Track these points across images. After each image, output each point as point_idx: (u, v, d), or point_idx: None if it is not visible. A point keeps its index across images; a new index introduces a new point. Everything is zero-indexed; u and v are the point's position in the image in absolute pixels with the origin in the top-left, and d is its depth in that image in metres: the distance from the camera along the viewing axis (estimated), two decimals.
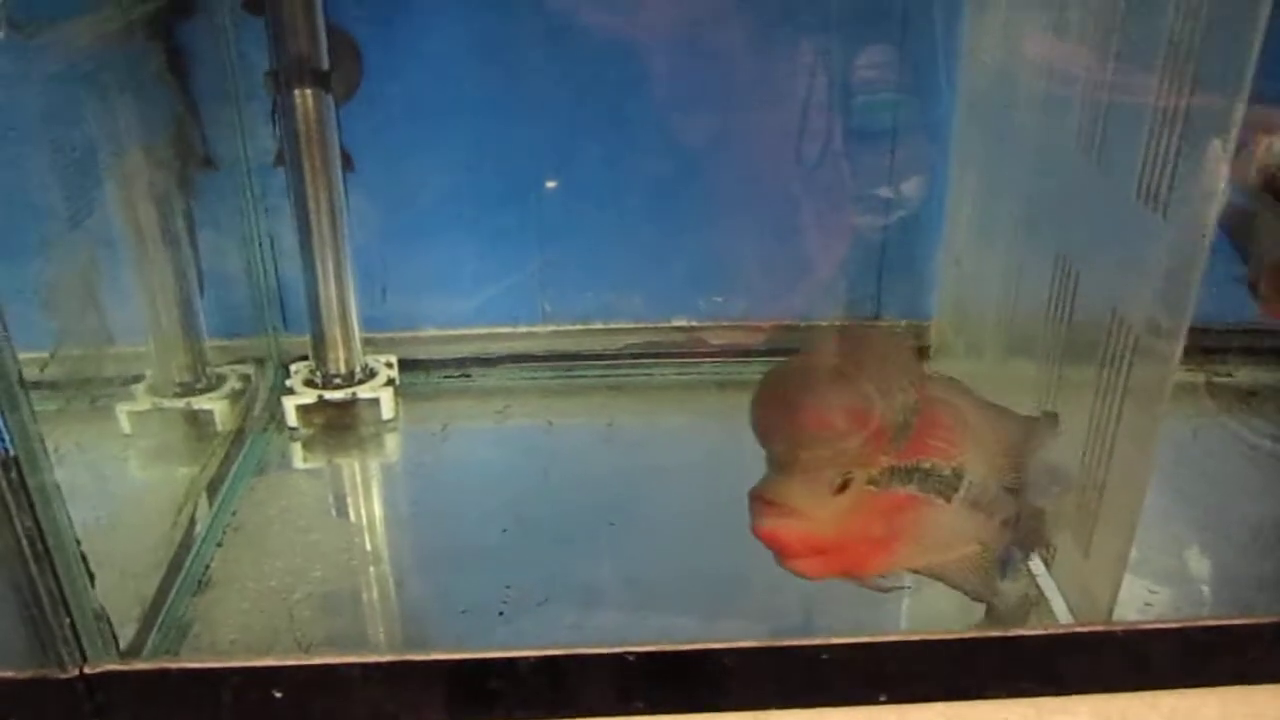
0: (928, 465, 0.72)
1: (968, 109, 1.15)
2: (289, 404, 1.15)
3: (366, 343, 1.22)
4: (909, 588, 0.79)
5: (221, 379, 1.18)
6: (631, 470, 1.10)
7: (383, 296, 1.23)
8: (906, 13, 1.15)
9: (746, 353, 1.24)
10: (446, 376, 1.25)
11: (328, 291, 1.16)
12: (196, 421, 1.13)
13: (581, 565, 0.95)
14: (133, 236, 1.07)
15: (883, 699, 0.76)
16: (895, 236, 1.25)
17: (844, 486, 0.69)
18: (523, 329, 1.26)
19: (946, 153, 1.19)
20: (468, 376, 1.25)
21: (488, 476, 1.11)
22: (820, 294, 1.25)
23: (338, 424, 1.17)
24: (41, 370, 0.81)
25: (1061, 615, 0.87)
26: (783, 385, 0.72)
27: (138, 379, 1.14)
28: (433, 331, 1.25)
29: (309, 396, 1.15)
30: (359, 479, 1.13)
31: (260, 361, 1.22)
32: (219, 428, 1.13)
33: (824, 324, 1.26)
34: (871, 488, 0.70)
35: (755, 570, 0.97)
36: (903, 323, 1.26)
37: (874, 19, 1.16)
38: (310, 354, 1.20)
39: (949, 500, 0.74)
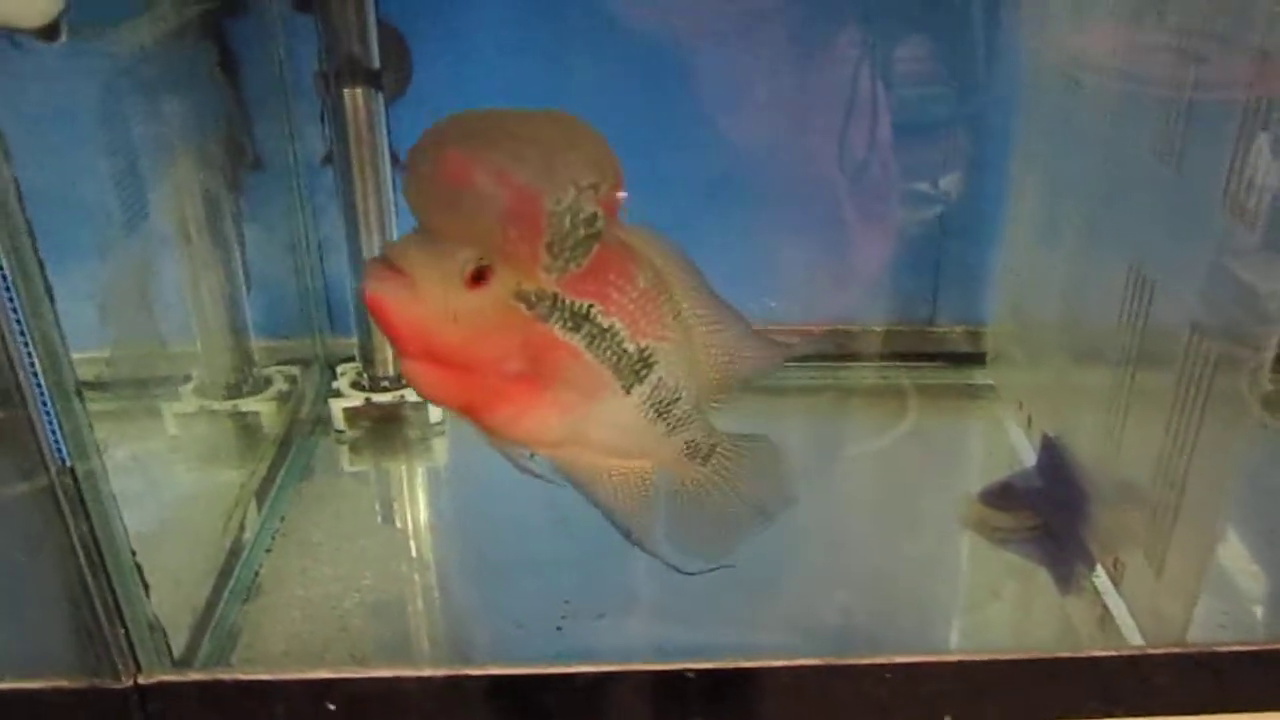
0: (605, 323, 0.60)
1: (1029, 106, 1.13)
2: (336, 407, 1.15)
3: None
4: (545, 479, 0.66)
5: (268, 380, 1.18)
6: None
7: None
8: (964, 4, 1.13)
9: (800, 358, 1.22)
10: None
11: None
12: (243, 423, 1.13)
13: (637, 577, 0.94)
14: (181, 237, 1.07)
15: None
16: (952, 239, 1.23)
17: (479, 277, 0.57)
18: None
19: (1006, 152, 1.17)
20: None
21: (538, 481, 1.10)
22: (875, 298, 1.23)
23: (385, 426, 1.17)
24: (95, 378, 0.81)
25: (1131, 635, 0.85)
26: (444, 132, 0.58)
27: (185, 379, 1.14)
28: None
29: (356, 399, 1.15)
30: (407, 483, 1.13)
31: (306, 363, 1.22)
32: (266, 430, 1.13)
33: (878, 328, 1.24)
34: (521, 306, 0.58)
35: (809, 583, 0.97)
36: (959, 328, 1.24)
37: (928, 11, 1.14)
38: (357, 355, 1.20)
39: (626, 389, 0.63)
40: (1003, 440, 1.14)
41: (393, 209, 1.14)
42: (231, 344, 1.16)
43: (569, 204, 0.56)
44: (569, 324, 0.59)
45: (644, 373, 0.62)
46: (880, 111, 1.16)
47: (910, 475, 1.11)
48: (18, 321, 0.60)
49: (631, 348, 0.61)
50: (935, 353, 1.24)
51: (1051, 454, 0.97)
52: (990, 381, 1.22)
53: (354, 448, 1.16)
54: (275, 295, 1.21)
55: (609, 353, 0.61)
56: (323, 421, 1.18)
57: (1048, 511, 0.95)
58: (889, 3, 1.13)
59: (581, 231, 0.57)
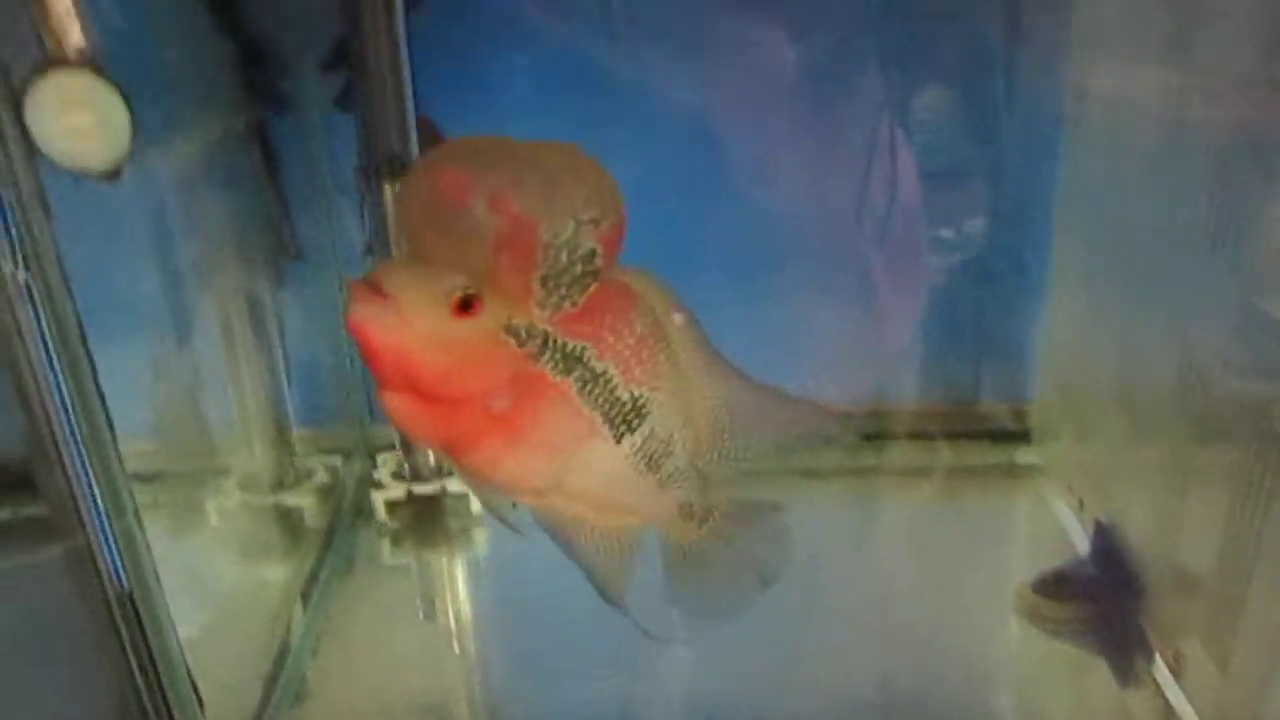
0: (599, 368, 0.58)
1: (1072, 176, 1.12)
2: (378, 499, 1.15)
3: None
4: (520, 532, 0.63)
5: (309, 471, 1.18)
6: None
7: None
8: (1008, 70, 1.13)
9: (837, 440, 1.22)
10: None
11: None
12: (287, 518, 1.13)
13: (684, 671, 0.93)
14: (223, 329, 1.08)
15: None
16: (993, 312, 1.22)
17: (467, 305, 0.54)
18: None
19: (1049, 222, 1.17)
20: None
21: (579, 574, 1.10)
22: (915, 374, 1.23)
23: (426, 517, 1.17)
24: (140, 469, 0.81)
25: None
26: (445, 152, 0.56)
27: (226, 471, 1.15)
28: None
29: (398, 491, 1.15)
30: (448, 576, 1.13)
31: (347, 452, 1.22)
32: (308, 523, 1.13)
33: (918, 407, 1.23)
34: (511, 341, 0.56)
35: (854, 675, 0.96)
36: (1004, 405, 1.23)
37: (971, 80, 1.15)
38: (397, 443, 1.20)
39: (616, 438, 0.60)
40: (1051, 522, 1.13)
41: None
42: (273, 434, 1.16)
43: (567, 237, 0.54)
44: (560, 365, 0.57)
45: (635, 422, 0.60)
46: (910, 181, 1.16)
47: (957, 560, 1.10)
48: (79, 456, 0.60)
49: (624, 395, 0.59)
50: (978, 430, 1.23)
51: (1106, 540, 0.96)
52: (1036, 460, 1.21)
53: (395, 539, 1.16)
54: (316, 384, 1.22)
55: (600, 399, 0.59)
56: (364, 513, 1.18)
57: (1104, 601, 0.93)
58: (918, 62, 1.14)
59: (579, 268, 0.55)
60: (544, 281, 0.55)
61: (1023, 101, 1.14)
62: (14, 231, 0.57)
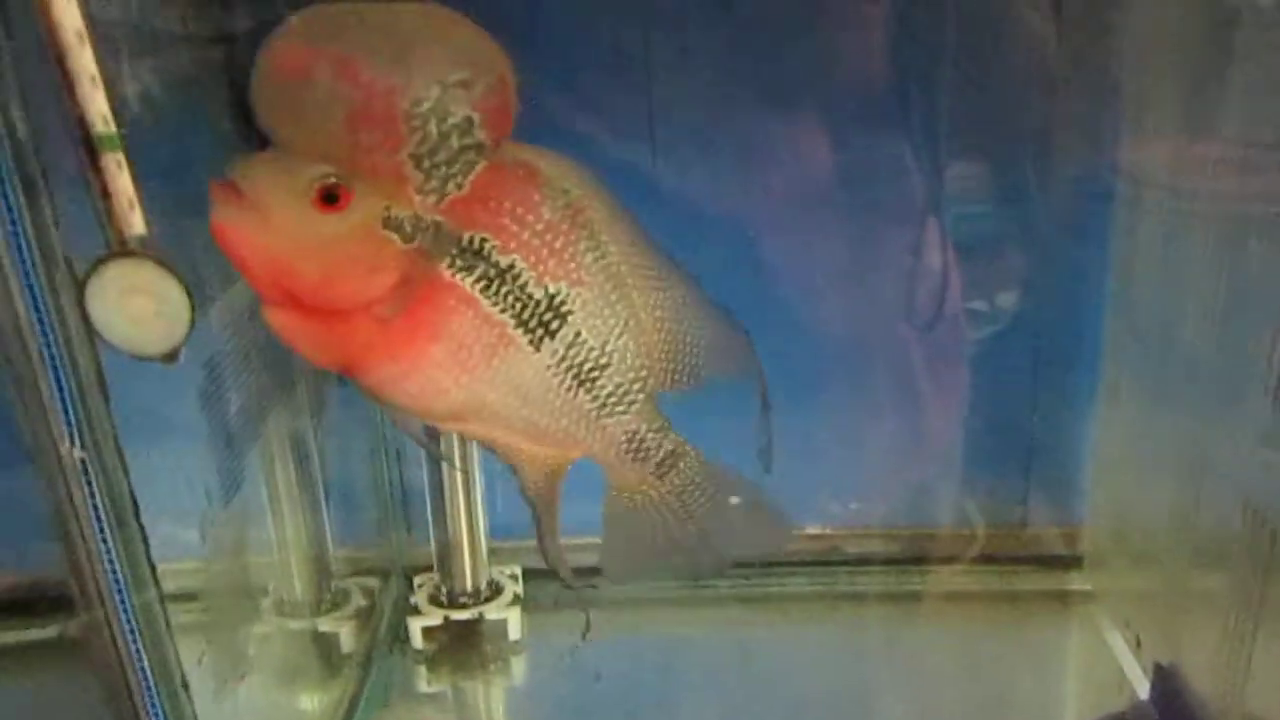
0: (503, 261, 0.50)
1: (1122, 283, 1.12)
2: (415, 625, 1.16)
3: (492, 552, 1.22)
4: (444, 458, 0.56)
5: (346, 594, 1.19)
6: (769, 701, 1.08)
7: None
8: (1049, 209, 1.14)
9: (885, 562, 1.21)
10: (572, 586, 1.24)
11: (455, 504, 1.18)
12: (324, 644, 1.13)
13: None
14: (263, 453, 1.10)
15: None
16: (1041, 429, 1.22)
17: (331, 196, 0.48)
18: None
19: (1099, 333, 1.16)
20: (594, 586, 1.24)
21: (618, 702, 1.09)
22: (963, 498, 1.22)
23: (463, 643, 1.17)
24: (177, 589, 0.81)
25: None
26: (290, 24, 0.49)
27: (263, 592, 1.15)
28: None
29: (435, 617, 1.16)
30: (485, 704, 1.12)
31: (385, 573, 1.23)
32: (344, 649, 1.13)
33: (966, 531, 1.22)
34: (394, 237, 0.49)
35: None
36: (1055, 530, 1.22)
37: (1013, 215, 1.15)
38: (435, 566, 1.21)
39: (534, 343, 0.53)
40: (1106, 656, 1.11)
41: None
42: (311, 557, 1.17)
43: (432, 104, 0.47)
44: (458, 261, 0.50)
45: (555, 324, 0.52)
46: (955, 292, 1.16)
47: (1005, 697, 1.08)
48: (131, 630, 0.61)
49: (537, 292, 0.52)
50: (1028, 556, 1.22)
51: (1167, 684, 0.94)
52: (1088, 587, 1.20)
53: (432, 665, 1.16)
54: (353, 503, 1.22)
55: (509, 298, 0.52)
56: (400, 637, 1.18)
57: None
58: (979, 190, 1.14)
59: (456, 141, 0.49)
60: (417, 161, 0.49)
61: (1071, 208, 1.15)
62: (72, 412, 0.59)
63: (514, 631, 1.16)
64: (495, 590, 1.19)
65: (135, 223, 0.56)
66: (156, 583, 0.63)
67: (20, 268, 0.55)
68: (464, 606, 1.17)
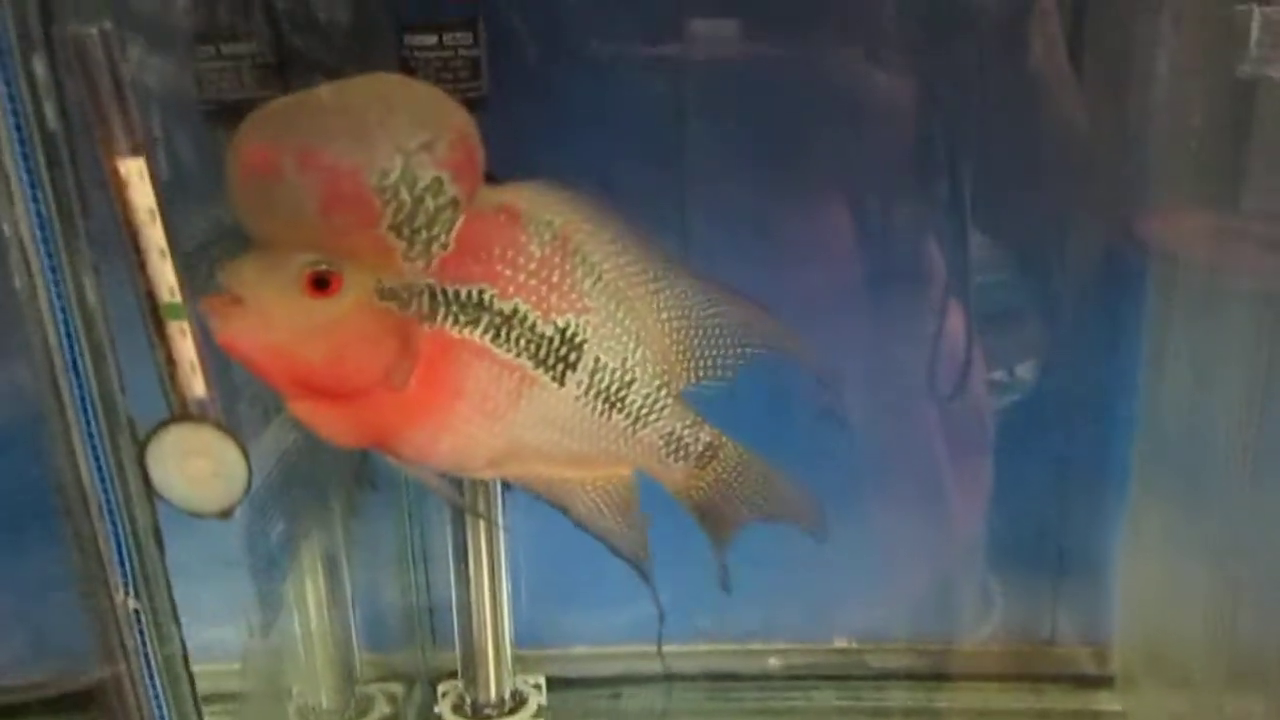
0: (506, 307, 0.51)
1: (1151, 407, 1.12)
2: None
3: (516, 660, 1.23)
4: (483, 516, 0.56)
5: (370, 701, 1.20)
6: None
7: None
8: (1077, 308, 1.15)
9: (910, 676, 1.22)
10: (596, 696, 1.25)
11: (481, 611, 1.19)
12: None
13: None
14: (295, 565, 1.12)
15: None
16: (1071, 546, 1.22)
17: (321, 282, 0.49)
18: (675, 647, 1.26)
19: (1128, 450, 1.17)
20: (617, 696, 1.25)
21: None
22: (991, 611, 1.23)
23: None
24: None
25: None
26: (250, 121, 0.50)
27: (287, 695, 1.17)
28: (582, 649, 1.26)
29: None
30: None
31: (408, 681, 1.24)
32: None
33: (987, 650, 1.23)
34: (392, 307, 0.50)
35: None
36: (1083, 648, 1.23)
37: (1041, 317, 1.17)
38: (460, 674, 1.22)
39: (557, 380, 0.54)
40: None
41: (501, 528, 1.17)
42: (336, 661, 1.18)
43: (398, 174, 0.48)
44: (461, 317, 0.51)
45: (573, 356, 0.54)
46: (998, 418, 1.17)
47: None
48: None
49: (548, 330, 0.53)
50: (1056, 674, 1.22)
51: None
52: (1119, 708, 1.20)
53: None
54: (379, 609, 1.24)
55: (521, 341, 0.53)
56: None
57: None
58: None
59: (430, 204, 0.50)
60: (397, 230, 0.50)
61: (1100, 302, 1.15)
62: (128, 563, 0.61)
63: None
64: (519, 701, 1.20)
65: (196, 386, 0.59)
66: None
67: (85, 428, 0.58)
68: (488, 718, 1.18)
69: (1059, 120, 1.07)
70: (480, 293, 0.53)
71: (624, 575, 1.24)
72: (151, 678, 0.64)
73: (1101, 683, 1.21)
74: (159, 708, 0.63)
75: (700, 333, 0.57)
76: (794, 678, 1.24)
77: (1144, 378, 1.14)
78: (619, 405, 0.56)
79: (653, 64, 1.08)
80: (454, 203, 0.51)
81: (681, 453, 0.58)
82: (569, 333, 0.54)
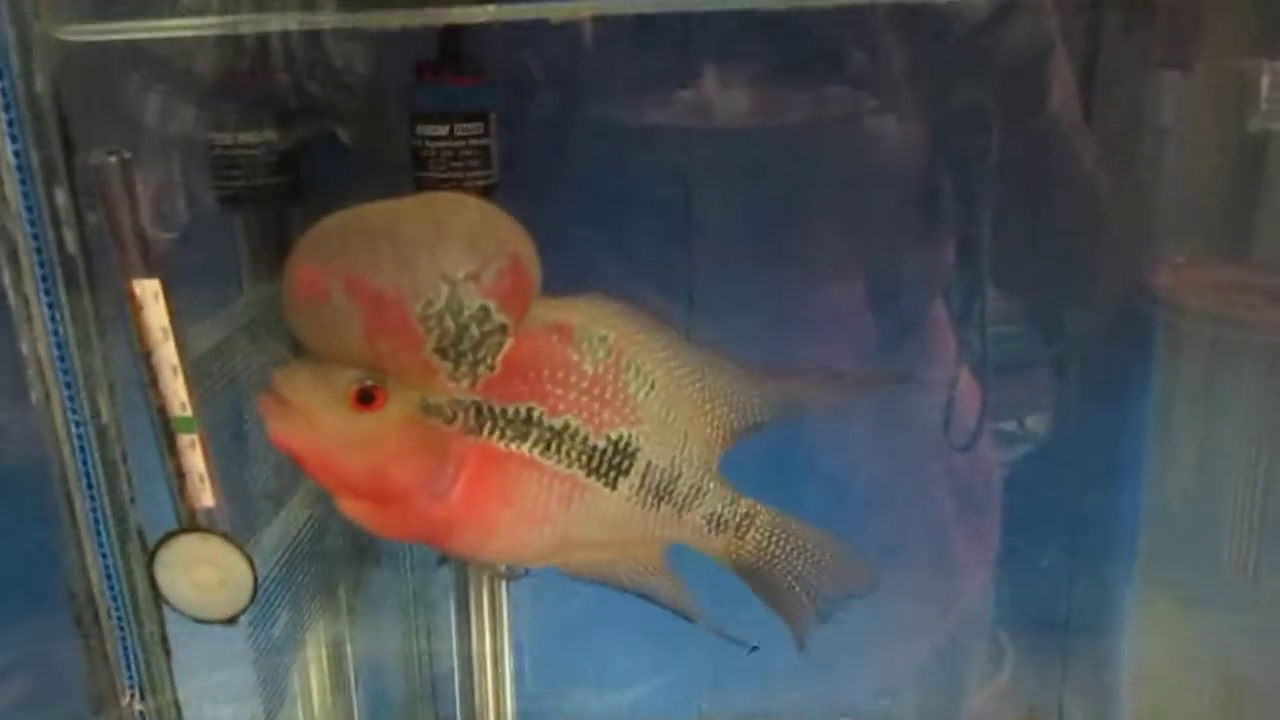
0: (556, 423, 0.53)
1: (1158, 489, 1.12)
2: None
3: None
4: (523, 573, 0.58)
5: None
6: None
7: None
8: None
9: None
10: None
11: (484, 693, 1.20)
12: None
13: None
14: (297, 636, 1.13)
15: None
16: (1079, 633, 1.23)
17: (367, 397, 0.51)
18: None
19: (1136, 533, 1.18)
20: None
21: None
22: (999, 698, 1.23)
23: None
24: None
25: None
26: (306, 240, 0.52)
27: None
28: None
29: None
30: None
31: None
32: None
33: None
34: (437, 422, 0.52)
35: None
36: None
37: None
38: None
39: (612, 485, 0.55)
40: None
41: (505, 609, 1.19)
42: None
43: (444, 303, 0.50)
44: (508, 433, 0.52)
45: (625, 464, 0.55)
46: (1000, 510, 1.18)
47: None
48: None
49: (600, 442, 0.54)
50: None
51: None
52: None
53: None
54: (382, 686, 1.25)
55: (572, 454, 0.54)
56: None
57: None
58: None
59: (476, 330, 0.51)
60: (442, 354, 0.51)
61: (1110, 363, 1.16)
62: (135, 667, 0.63)
63: None
64: None
65: (205, 497, 0.61)
66: None
67: (97, 538, 0.60)
68: None
69: (1071, 174, 1.08)
70: (529, 410, 0.54)
71: (628, 655, 1.26)
72: None
73: None
74: None
75: (742, 415, 0.59)
76: None
77: (1151, 449, 1.14)
78: (667, 497, 0.58)
79: (663, 133, 1.10)
80: (501, 328, 0.52)
81: (721, 526, 0.60)
82: (621, 443, 0.55)
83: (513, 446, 0.54)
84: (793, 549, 0.63)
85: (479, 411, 0.53)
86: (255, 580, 0.61)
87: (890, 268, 1.14)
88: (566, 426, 0.54)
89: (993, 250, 1.11)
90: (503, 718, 1.22)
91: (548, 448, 0.54)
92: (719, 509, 0.59)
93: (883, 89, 1.07)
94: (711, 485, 0.59)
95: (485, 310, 0.51)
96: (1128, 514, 1.18)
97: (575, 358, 0.54)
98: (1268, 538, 0.90)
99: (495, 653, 1.19)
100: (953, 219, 1.12)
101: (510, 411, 0.53)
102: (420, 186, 1.02)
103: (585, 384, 0.54)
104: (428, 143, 1.01)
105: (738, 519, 0.60)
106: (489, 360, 0.52)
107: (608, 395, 0.55)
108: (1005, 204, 1.09)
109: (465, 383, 0.52)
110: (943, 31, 1.05)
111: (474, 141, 1.01)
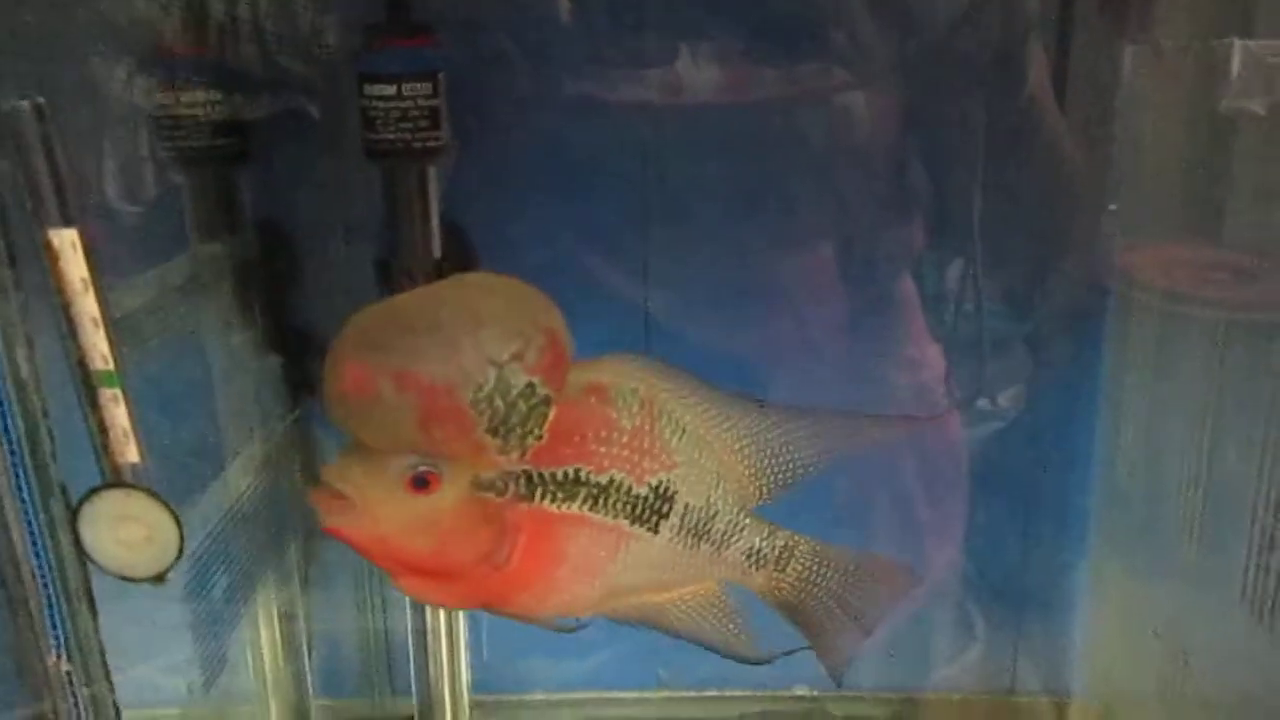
0: (602, 480, 0.55)
1: (1110, 473, 1.14)
2: None
3: (474, 706, 1.23)
4: (578, 625, 0.61)
5: None
6: None
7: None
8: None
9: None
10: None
11: (438, 658, 1.19)
12: None
13: None
14: (242, 603, 1.12)
15: None
16: (1033, 598, 1.23)
17: (421, 483, 0.53)
18: (634, 695, 1.26)
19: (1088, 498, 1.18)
20: None
21: None
22: (951, 664, 1.24)
23: None
24: None
25: None
26: (343, 340, 0.53)
27: None
28: (541, 695, 1.27)
29: None
30: None
31: None
32: None
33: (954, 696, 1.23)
34: (490, 496, 0.54)
35: None
36: (1044, 699, 1.24)
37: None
38: (416, 717, 1.22)
39: (654, 529, 0.58)
40: None
41: None
42: (291, 706, 1.18)
43: (492, 386, 0.51)
44: (559, 495, 0.55)
45: (666, 508, 0.57)
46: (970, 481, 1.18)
47: None
48: None
49: (643, 491, 0.57)
50: None
51: None
52: None
53: None
54: (337, 655, 1.24)
55: (618, 505, 0.56)
56: None
57: None
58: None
59: (523, 406, 0.52)
60: (492, 432, 0.53)
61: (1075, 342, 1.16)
62: (60, 627, 0.62)
63: None
64: None
65: (130, 453, 0.60)
66: None
67: (18, 494, 0.59)
68: None
69: (1043, 153, 1.08)
70: (576, 471, 0.56)
71: (588, 626, 1.25)
72: None
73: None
74: None
75: (770, 452, 0.61)
76: None
77: (1103, 423, 1.15)
78: (705, 536, 0.60)
79: (624, 106, 1.09)
80: (545, 400, 0.54)
81: (760, 561, 0.63)
82: (661, 488, 0.58)
83: (563, 508, 0.56)
84: (833, 574, 0.65)
85: (529, 480, 0.55)
86: (182, 537, 0.60)
87: (857, 242, 1.13)
88: (611, 480, 0.57)
89: (960, 227, 1.11)
90: (458, 688, 1.22)
91: (595, 503, 0.57)
92: (757, 543, 0.62)
93: (854, 65, 1.07)
94: (747, 521, 0.61)
95: (531, 386, 0.53)
96: (1079, 486, 1.18)
97: (614, 415, 0.57)
98: (1212, 514, 0.90)
99: (450, 623, 1.18)
100: (922, 195, 1.12)
101: (559, 475, 0.56)
102: (369, 148, 1.00)
103: (625, 438, 0.57)
104: (376, 103, 1.00)
105: (776, 552, 0.63)
106: (536, 431, 0.54)
107: (645, 445, 0.57)
108: (974, 180, 1.09)
109: (515, 455, 0.54)
110: (916, 8, 1.05)
111: (422, 102, 1.00)
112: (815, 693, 1.26)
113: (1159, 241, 1.04)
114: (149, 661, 0.77)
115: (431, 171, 1.04)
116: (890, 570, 0.67)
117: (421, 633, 1.19)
